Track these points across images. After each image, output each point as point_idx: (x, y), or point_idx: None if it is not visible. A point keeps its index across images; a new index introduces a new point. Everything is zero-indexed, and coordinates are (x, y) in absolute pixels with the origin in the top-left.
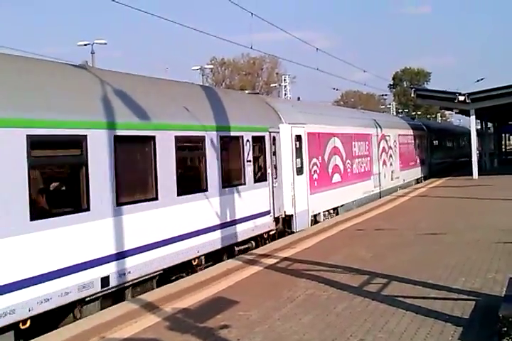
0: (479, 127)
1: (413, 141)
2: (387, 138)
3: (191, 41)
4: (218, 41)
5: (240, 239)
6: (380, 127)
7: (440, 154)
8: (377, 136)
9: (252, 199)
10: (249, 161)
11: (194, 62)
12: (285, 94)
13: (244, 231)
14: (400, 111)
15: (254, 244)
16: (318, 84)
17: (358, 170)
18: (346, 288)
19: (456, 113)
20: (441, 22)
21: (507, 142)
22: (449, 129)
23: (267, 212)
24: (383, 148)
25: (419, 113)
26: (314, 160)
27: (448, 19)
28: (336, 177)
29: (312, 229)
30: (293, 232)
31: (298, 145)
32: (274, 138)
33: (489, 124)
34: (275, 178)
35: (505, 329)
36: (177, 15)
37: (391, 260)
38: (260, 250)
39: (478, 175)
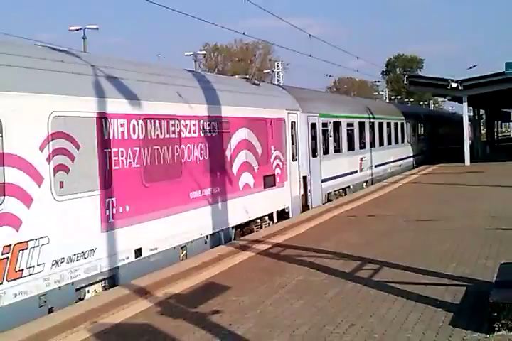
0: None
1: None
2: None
3: (184, 27)
4: (211, 27)
5: None
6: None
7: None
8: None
9: None
10: None
11: (187, 48)
12: (278, 81)
13: None
14: (392, 97)
15: None
16: (312, 70)
17: None
18: (338, 274)
19: (448, 100)
20: (435, 9)
21: (499, 129)
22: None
23: None
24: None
25: (411, 100)
26: None
27: (441, 6)
28: None
29: (303, 215)
30: None
31: None
32: None
33: (481, 111)
34: None
35: (496, 314)
36: (169, 1)
37: (383, 246)
38: (252, 236)
39: (470, 162)
